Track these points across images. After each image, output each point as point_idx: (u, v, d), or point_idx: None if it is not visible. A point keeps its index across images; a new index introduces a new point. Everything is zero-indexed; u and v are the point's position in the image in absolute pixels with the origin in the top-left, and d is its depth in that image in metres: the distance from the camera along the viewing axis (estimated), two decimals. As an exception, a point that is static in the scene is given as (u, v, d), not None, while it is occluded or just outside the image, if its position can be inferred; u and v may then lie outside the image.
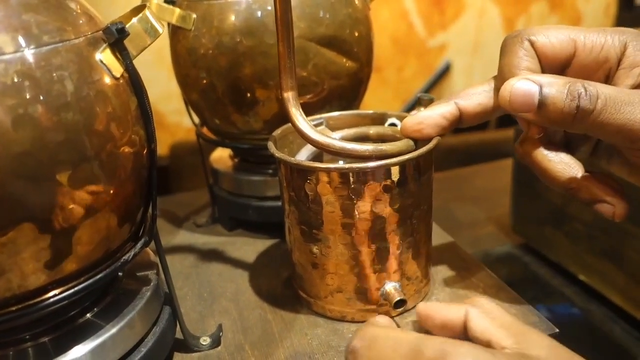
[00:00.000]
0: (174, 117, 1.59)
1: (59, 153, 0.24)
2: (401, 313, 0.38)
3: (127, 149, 0.28)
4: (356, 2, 0.46)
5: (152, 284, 0.35)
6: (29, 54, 0.23)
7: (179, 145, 1.47)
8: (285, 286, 0.44)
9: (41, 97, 0.23)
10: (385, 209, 0.35)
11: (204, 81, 0.45)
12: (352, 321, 0.38)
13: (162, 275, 0.36)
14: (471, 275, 0.43)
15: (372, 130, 0.42)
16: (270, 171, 0.51)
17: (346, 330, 0.38)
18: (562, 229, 0.70)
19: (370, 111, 0.44)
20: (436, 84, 2.12)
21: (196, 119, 0.52)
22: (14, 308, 0.27)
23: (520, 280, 0.73)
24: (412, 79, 2.13)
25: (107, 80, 0.27)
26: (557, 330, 0.36)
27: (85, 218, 0.27)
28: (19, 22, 0.23)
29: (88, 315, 0.33)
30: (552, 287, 0.73)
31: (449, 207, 0.96)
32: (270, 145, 0.38)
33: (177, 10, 0.43)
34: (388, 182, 0.34)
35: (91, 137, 0.25)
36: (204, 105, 0.47)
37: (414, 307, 0.39)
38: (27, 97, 0.23)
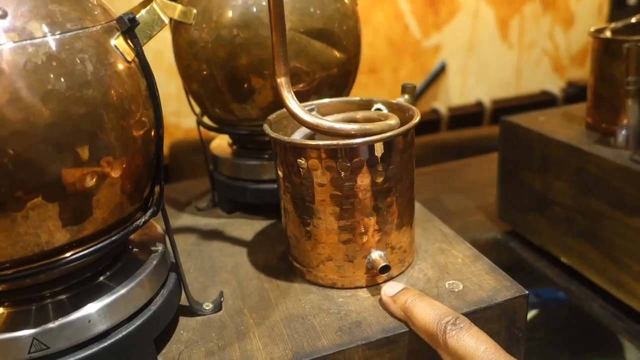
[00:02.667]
0: (173, 118, 1.63)
1: (80, 124, 0.27)
2: (386, 280, 0.42)
3: (138, 126, 0.31)
4: (344, -3, 0.50)
5: (159, 251, 0.38)
6: (55, 38, 0.27)
7: (178, 144, 1.51)
8: (280, 259, 0.47)
9: (66, 76, 0.27)
10: (370, 183, 0.39)
11: (204, 72, 0.49)
12: (342, 287, 0.42)
13: (169, 247, 0.40)
14: (452, 248, 0.46)
15: (360, 114, 0.46)
16: (266, 156, 0.54)
17: (336, 296, 0.41)
18: (544, 214, 0.74)
19: (358, 98, 0.48)
20: (432, 84, 2.16)
21: (196, 109, 0.56)
22: (39, 263, 0.31)
23: (507, 264, 0.77)
24: (407, 79, 2.16)
25: (121, 63, 0.30)
26: (527, 292, 0.40)
27: (102, 184, 0.31)
28: (46, 12, 0.27)
29: (101, 278, 0.36)
30: (536, 270, 0.76)
31: (440, 197, 1.00)
32: (266, 127, 0.42)
33: (179, 6, 0.47)
34: (372, 157, 0.38)
35: (107, 112, 0.29)
36: (204, 95, 0.51)
37: (400, 274, 0.43)
38: (54, 75, 0.26)
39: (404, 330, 0.37)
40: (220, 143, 0.59)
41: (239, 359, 0.36)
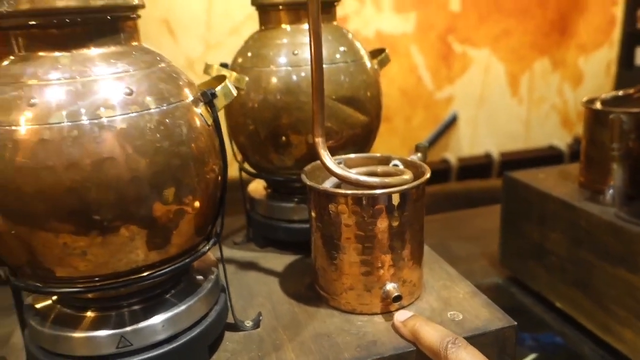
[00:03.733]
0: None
1: (176, 173, 0.37)
2: (398, 308, 0.50)
3: (211, 173, 0.41)
4: (369, 69, 0.60)
5: (214, 275, 0.47)
6: (163, 109, 0.36)
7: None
8: (307, 289, 0.55)
9: (169, 137, 0.36)
10: (387, 226, 0.47)
11: (250, 127, 0.59)
12: (360, 313, 0.50)
13: (220, 272, 0.49)
14: (454, 285, 0.54)
15: (379, 168, 0.55)
16: (296, 199, 0.63)
17: (355, 320, 0.49)
18: (542, 262, 0.82)
19: (378, 154, 0.57)
20: (443, 134, 2.25)
21: (238, 157, 0.66)
22: (123, 279, 0.39)
23: (508, 307, 0.84)
24: (419, 128, 2.26)
25: (203, 126, 0.40)
26: (515, 323, 0.48)
27: (181, 219, 0.40)
28: (157, 90, 0.37)
29: (167, 295, 0.45)
30: (535, 313, 0.83)
31: (447, 243, 1.08)
32: (303, 177, 0.51)
33: (234, 74, 0.57)
34: (390, 205, 0.47)
35: (194, 163, 0.38)
36: (248, 146, 0.61)
37: (409, 304, 0.51)
38: (161, 136, 0.36)
39: (412, 349, 0.45)
40: (257, 187, 0.69)
41: (276, 366, 0.44)
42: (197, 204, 0.40)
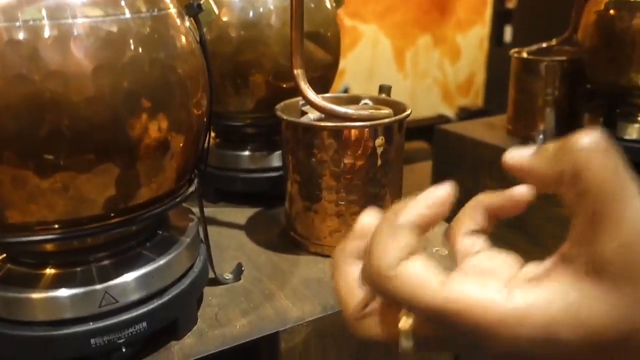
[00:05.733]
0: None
1: (174, 91, 0.31)
2: (382, 249, 0.48)
3: (197, 106, 0.35)
4: (327, 7, 0.57)
5: (194, 223, 0.42)
6: (154, 15, 0.30)
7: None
8: (280, 238, 0.52)
9: (163, 47, 0.30)
10: (375, 161, 0.45)
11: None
12: (346, 256, 0.48)
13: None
14: (428, 224, 0.54)
15: (352, 108, 0.52)
16: (250, 147, 0.59)
17: (342, 263, 0.47)
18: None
19: (345, 94, 0.54)
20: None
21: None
22: (100, 224, 0.33)
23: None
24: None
25: (193, 43, 0.34)
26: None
27: (164, 155, 0.34)
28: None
29: (140, 249, 0.39)
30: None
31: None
32: (279, 114, 0.47)
33: None
34: (378, 139, 0.45)
35: (184, 87, 0.33)
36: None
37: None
38: (156, 45, 0.30)
39: (409, 285, 0.43)
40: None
41: (274, 315, 0.40)
42: (181, 139, 0.34)
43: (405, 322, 0.21)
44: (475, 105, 2.71)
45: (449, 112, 2.63)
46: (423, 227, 0.22)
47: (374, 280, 0.21)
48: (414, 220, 0.21)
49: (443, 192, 0.23)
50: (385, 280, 0.20)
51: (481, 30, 2.68)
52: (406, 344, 0.21)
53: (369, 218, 0.24)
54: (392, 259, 0.20)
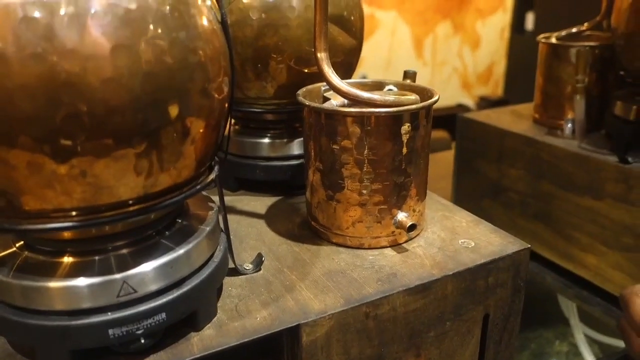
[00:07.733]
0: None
1: (194, 74, 0.30)
2: (407, 240, 0.47)
3: (219, 90, 0.33)
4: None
5: (214, 211, 0.40)
6: (175, -9, 0.29)
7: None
8: (301, 227, 0.50)
9: (184, 26, 0.29)
10: (401, 149, 0.43)
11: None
12: (369, 247, 0.46)
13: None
14: (453, 215, 0.52)
15: (377, 94, 0.51)
16: (270, 134, 0.57)
17: (365, 254, 0.45)
18: (498, 199, 0.83)
19: (369, 80, 0.52)
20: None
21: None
22: (120, 211, 0.32)
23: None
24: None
25: (215, 21, 0.33)
26: (529, 246, 0.47)
27: (184, 141, 0.32)
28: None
29: (159, 238, 0.37)
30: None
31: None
32: (301, 99, 0.45)
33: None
34: (404, 126, 0.43)
35: (206, 69, 0.31)
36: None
37: (417, 235, 0.48)
38: (177, 24, 0.28)
39: (435, 278, 0.42)
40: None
41: (295, 307, 0.39)
42: (202, 125, 0.33)
43: None
44: (495, 94, 2.67)
45: (469, 102, 2.58)
46: None
47: None
48: None
49: None
50: None
51: (502, 17, 2.62)
52: None
53: None
54: None
